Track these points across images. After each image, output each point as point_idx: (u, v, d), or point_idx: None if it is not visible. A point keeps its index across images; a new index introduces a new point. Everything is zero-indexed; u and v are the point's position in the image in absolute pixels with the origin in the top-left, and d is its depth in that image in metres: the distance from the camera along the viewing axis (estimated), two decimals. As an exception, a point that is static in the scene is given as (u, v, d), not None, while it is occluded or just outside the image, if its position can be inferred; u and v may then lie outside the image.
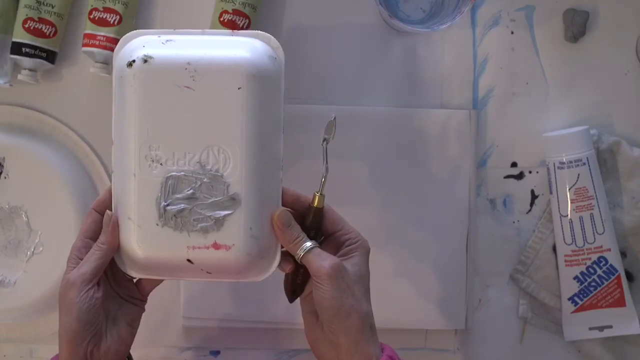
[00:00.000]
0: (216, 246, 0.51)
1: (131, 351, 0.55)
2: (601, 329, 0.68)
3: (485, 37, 0.70)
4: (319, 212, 0.53)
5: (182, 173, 0.51)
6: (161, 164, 0.51)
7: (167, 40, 0.53)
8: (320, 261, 0.50)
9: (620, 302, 0.67)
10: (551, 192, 0.68)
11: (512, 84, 0.70)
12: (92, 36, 0.67)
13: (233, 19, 0.66)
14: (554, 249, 0.69)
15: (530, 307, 0.70)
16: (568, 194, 0.67)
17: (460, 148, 0.69)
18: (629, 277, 0.68)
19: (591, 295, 0.68)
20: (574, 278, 0.68)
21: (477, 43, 0.70)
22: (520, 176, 0.70)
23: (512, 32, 0.70)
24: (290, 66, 0.67)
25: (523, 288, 0.70)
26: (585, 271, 0.67)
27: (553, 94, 0.70)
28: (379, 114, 0.69)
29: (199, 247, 0.51)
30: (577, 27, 0.69)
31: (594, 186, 0.67)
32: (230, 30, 0.56)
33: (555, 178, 0.67)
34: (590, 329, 0.68)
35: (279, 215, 0.52)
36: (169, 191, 0.51)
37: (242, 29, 0.66)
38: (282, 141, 0.54)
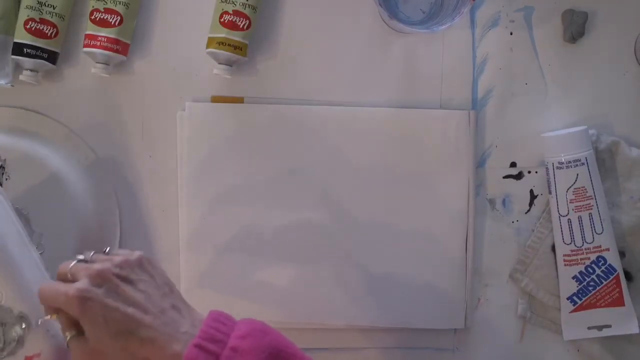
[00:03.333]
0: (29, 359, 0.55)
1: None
2: (600, 328, 0.68)
3: (485, 37, 0.70)
4: None
5: None
6: None
7: None
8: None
9: (619, 302, 0.68)
10: (550, 192, 0.68)
11: (511, 85, 0.70)
12: (93, 37, 0.67)
13: (233, 20, 0.66)
14: (553, 248, 0.69)
15: (530, 307, 0.70)
16: (567, 193, 0.67)
17: (460, 148, 0.69)
18: (628, 276, 0.68)
19: (590, 294, 0.68)
20: (573, 277, 0.68)
21: (476, 44, 0.70)
22: (519, 176, 0.71)
23: (511, 33, 0.70)
24: (289, 67, 0.69)
25: (522, 287, 0.70)
26: (584, 271, 0.68)
27: (552, 95, 0.70)
28: (378, 114, 0.69)
29: None
30: (575, 27, 0.69)
31: (592, 186, 0.67)
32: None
33: (554, 178, 0.67)
34: (589, 328, 0.68)
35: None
36: None
37: (242, 29, 0.66)
38: (33, 248, 0.58)
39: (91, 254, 0.54)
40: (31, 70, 0.67)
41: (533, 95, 0.70)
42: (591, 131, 0.68)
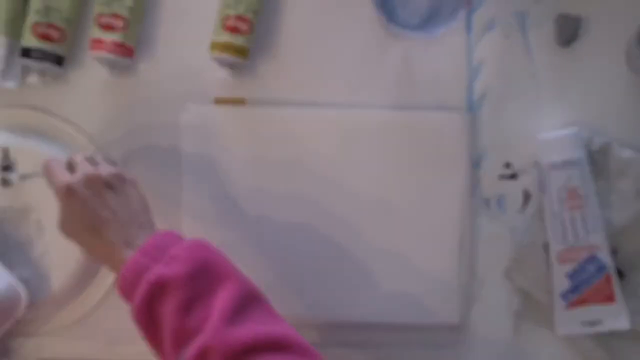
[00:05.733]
0: None
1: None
2: (592, 324, 0.68)
3: (480, 41, 0.71)
4: None
5: None
6: None
7: None
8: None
9: (610, 299, 0.68)
10: (544, 192, 0.69)
11: (506, 87, 0.71)
12: (99, 41, 0.67)
13: (236, 24, 0.67)
14: (547, 247, 0.69)
15: (524, 304, 0.71)
16: (560, 193, 0.67)
17: (455, 149, 0.69)
18: (619, 274, 0.69)
19: (582, 292, 0.68)
20: (566, 275, 0.68)
21: (472, 47, 0.71)
22: (513, 176, 0.71)
23: (507, 37, 0.71)
24: (290, 69, 0.70)
25: (516, 285, 0.71)
26: (576, 268, 0.68)
27: (546, 97, 0.71)
28: (375, 116, 0.70)
29: None
30: (569, 32, 0.70)
31: (585, 186, 0.67)
32: None
33: (548, 178, 0.68)
34: (581, 324, 0.69)
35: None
36: None
37: (244, 33, 0.67)
38: None
39: (100, 156, 0.62)
40: (38, 73, 0.68)
41: (527, 98, 0.70)
42: (584, 133, 0.69)
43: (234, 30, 0.67)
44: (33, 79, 0.68)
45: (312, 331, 0.70)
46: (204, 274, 0.53)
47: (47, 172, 0.59)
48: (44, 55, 0.67)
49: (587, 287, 0.68)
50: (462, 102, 0.71)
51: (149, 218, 0.59)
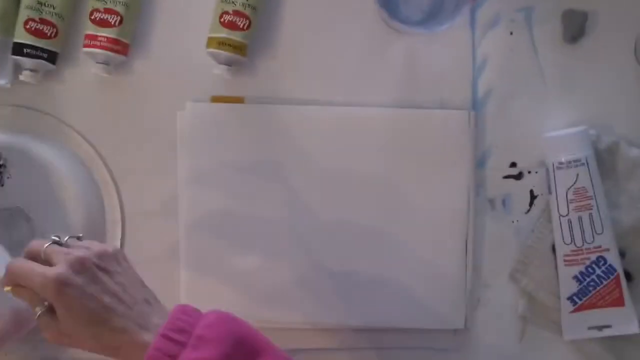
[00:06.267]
0: None
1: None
2: (600, 328, 0.68)
3: (485, 38, 0.70)
4: None
5: None
6: None
7: None
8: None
9: (619, 302, 0.67)
10: (550, 192, 0.68)
11: (511, 85, 0.70)
12: (93, 37, 0.67)
13: (233, 20, 0.66)
14: (553, 248, 0.69)
15: (530, 307, 0.70)
16: (567, 194, 0.67)
17: (460, 148, 0.69)
18: (628, 276, 0.68)
19: (590, 294, 0.68)
20: (573, 278, 0.68)
21: (476, 44, 0.70)
22: (519, 176, 0.71)
23: (511, 33, 0.70)
24: (289, 67, 0.70)
25: (522, 288, 0.70)
26: (584, 271, 0.68)
27: (552, 95, 0.70)
28: (378, 115, 0.69)
29: None
30: (575, 28, 0.70)
31: (592, 186, 0.67)
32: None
33: (554, 178, 0.68)
34: (589, 328, 0.68)
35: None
36: None
37: (242, 29, 0.67)
38: None
39: (66, 238, 0.55)
40: (31, 70, 0.67)
41: (533, 96, 0.70)
42: (591, 131, 0.69)
43: (231, 26, 0.66)
44: (25, 76, 0.67)
45: (313, 335, 0.70)
46: (239, 351, 0.50)
47: (20, 275, 0.52)
48: (36, 52, 0.67)
49: (595, 290, 0.68)
50: (466, 100, 0.70)
51: (150, 290, 0.55)
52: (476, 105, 0.71)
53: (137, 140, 0.70)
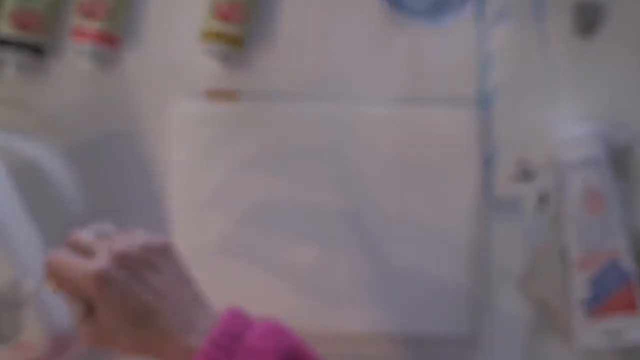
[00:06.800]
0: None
1: None
2: (613, 335, 0.67)
3: (493, 30, 0.70)
4: None
5: None
6: None
7: None
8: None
9: (632, 308, 0.66)
10: (561, 193, 0.68)
11: (521, 80, 0.69)
12: (81, 29, 0.67)
13: (229, 11, 0.66)
14: (565, 252, 0.68)
15: (539, 314, 0.69)
16: (579, 195, 0.66)
17: (466, 147, 0.69)
18: (643, 281, 0.67)
19: (603, 300, 0.67)
20: (585, 282, 0.67)
21: (484, 37, 0.70)
22: (529, 176, 0.69)
23: (521, 26, 0.69)
24: (287, 60, 0.69)
25: (532, 293, 0.69)
26: (596, 275, 0.67)
27: (564, 91, 0.69)
28: (383, 112, 0.69)
29: None
30: (589, 20, 0.69)
31: (606, 187, 0.66)
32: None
33: (566, 178, 0.67)
34: (601, 335, 0.67)
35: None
36: None
37: (238, 20, 0.67)
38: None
39: (109, 228, 0.54)
40: (16, 64, 0.67)
41: (543, 92, 0.69)
42: (605, 129, 0.68)
43: (226, 17, 0.66)
44: (10, 71, 0.68)
45: (314, 342, 0.66)
46: None
47: (59, 268, 0.50)
48: (22, 46, 0.66)
49: (608, 295, 0.67)
50: (473, 96, 0.70)
51: (197, 288, 0.53)
52: (484, 102, 0.70)
53: (128, 138, 0.70)
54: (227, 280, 0.68)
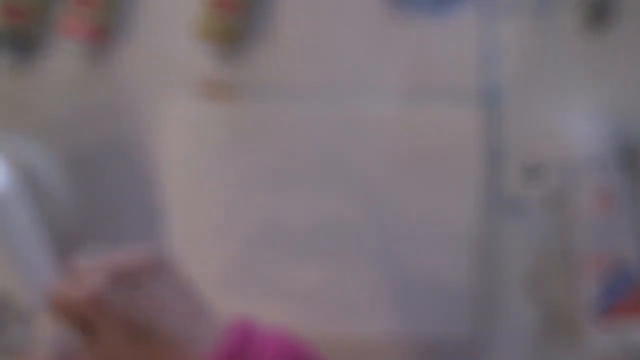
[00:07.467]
0: None
1: None
2: (623, 339, 0.66)
3: (501, 25, 0.68)
4: None
5: None
6: None
7: None
8: None
9: None
10: (570, 193, 0.67)
11: (529, 77, 0.68)
12: (72, 24, 0.67)
13: (225, 3, 0.66)
14: (574, 253, 0.67)
15: (546, 318, 0.69)
16: (588, 194, 0.65)
17: (471, 145, 0.68)
18: (654, 284, 0.67)
19: (613, 303, 0.66)
20: (595, 285, 0.66)
21: (491, 31, 0.69)
22: (537, 175, 0.68)
23: (531, 19, 0.68)
24: (286, 56, 0.68)
25: (538, 297, 0.69)
26: (607, 278, 0.66)
27: (575, 87, 0.68)
28: (381, 108, 0.69)
29: None
30: (600, 14, 0.68)
31: (618, 186, 0.65)
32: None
33: (575, 178, 0.66)
34: (611, 339, 0.66)
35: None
36: None
37: (234, 13, 0.66)
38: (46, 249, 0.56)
39: (104, 249, 0.54)
40: (5, 60, 0.67)
41: (552, 88, 0.68)
42: (617, 127, 0.67)
43: (222, 9, 0.66)
44: None
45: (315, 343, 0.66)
46: None
47: (55, 298, 0.51)
48: (9, 40, 0.67)
49: (618, 299, 0.66)
50: (478, 93, 0.69)
51: (200, 299, 0.53)
52: (490, 99, 0.69)
53: (121, 134, 0.70)
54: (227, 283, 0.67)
